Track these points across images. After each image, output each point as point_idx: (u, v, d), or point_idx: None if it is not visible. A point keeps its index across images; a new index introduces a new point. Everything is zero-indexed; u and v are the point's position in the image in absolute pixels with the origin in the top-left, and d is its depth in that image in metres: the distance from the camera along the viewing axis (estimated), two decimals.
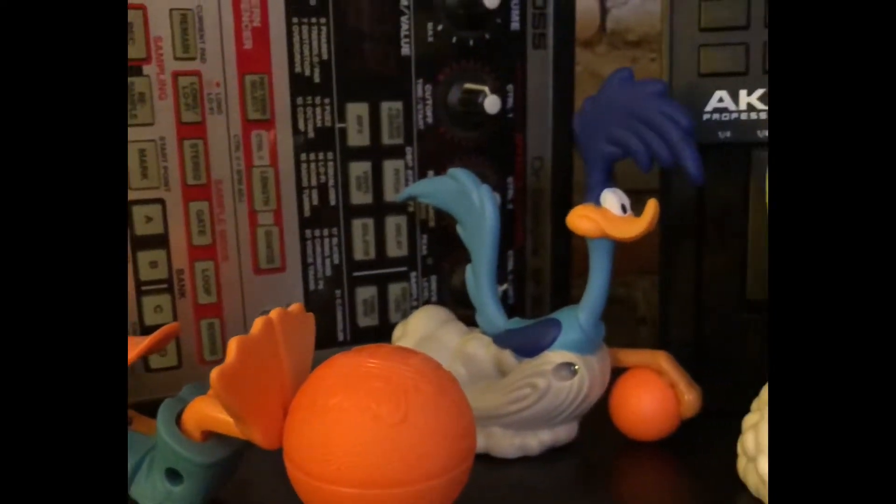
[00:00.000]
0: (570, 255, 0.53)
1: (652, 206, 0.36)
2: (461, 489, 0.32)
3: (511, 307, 0.51)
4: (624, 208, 0.37)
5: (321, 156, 0.45)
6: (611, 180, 0.38)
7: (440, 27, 0.46)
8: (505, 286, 0.49)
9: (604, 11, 0.68)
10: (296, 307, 0.33)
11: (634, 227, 0.36)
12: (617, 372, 0.42)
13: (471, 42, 0.47)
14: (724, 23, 0.39)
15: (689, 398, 0.40)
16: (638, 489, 0.39)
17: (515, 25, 0.48)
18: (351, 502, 0.30)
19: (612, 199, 0.37)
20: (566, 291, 0.53)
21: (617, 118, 0.36)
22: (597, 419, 0.42)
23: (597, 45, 0.69)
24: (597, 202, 0.37)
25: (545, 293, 0.53)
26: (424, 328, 0.43)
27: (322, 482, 0.30)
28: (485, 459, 0.40)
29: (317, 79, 0.44)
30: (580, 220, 0.37)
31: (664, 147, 0.35)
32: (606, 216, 0.37)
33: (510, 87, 0.48)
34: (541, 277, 0.52)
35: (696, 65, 0.40)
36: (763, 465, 0.34)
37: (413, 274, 0.48)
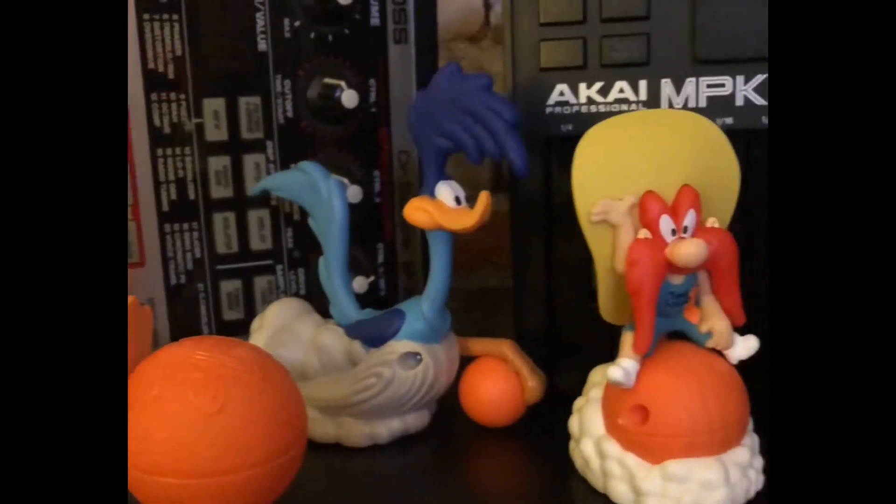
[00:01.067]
0: None
1: (484, 198, 0.37)
2: (292, 477, 0.33)
3: (382, 299, 0.52)
4: (458, 200, 0.38)
5: (178, 150, 0.45)
6: (444, 172, 0.39)
7: (297, 23, 0.46)
8: (371, 278, 0.49)
9: (487, 7, 0.69)
10: (128, 301, 0.34)
11: (467, 218, 0.37)
12: (467, 361, 0.43)
13: (330, 37, 0.47)
14: (562, 17, 0.40)
15: (532, 385, 0.41)
16: (484, 473, 0.40)
17: (375, 21, 0.48)
18: (172, 492, 0.30)
19: (446, 192, 0.38)
20: None
21: (447, 112, 0.37)
22: (450, 407, 0.43)
23: (481, 40, 0.70)
24: (432, 194, 0.38)
25: (417, 285, 0.53)
26: (281, 320, 0.43)
27: (143, 473, 0.30)
28: (336, 449, 0.41)
29: (171, 75, 0.44)
30: (415, 212, 0.38)
31: (490, 140, 0.36)
32: (441, 208, 0.38)
33: (372, 81, 0.49)
34: (412, 270, 0.53)
35: (537, 59, 0.41)
36: (585, 446, 0.35)
37: (279, 267, 0.49)
